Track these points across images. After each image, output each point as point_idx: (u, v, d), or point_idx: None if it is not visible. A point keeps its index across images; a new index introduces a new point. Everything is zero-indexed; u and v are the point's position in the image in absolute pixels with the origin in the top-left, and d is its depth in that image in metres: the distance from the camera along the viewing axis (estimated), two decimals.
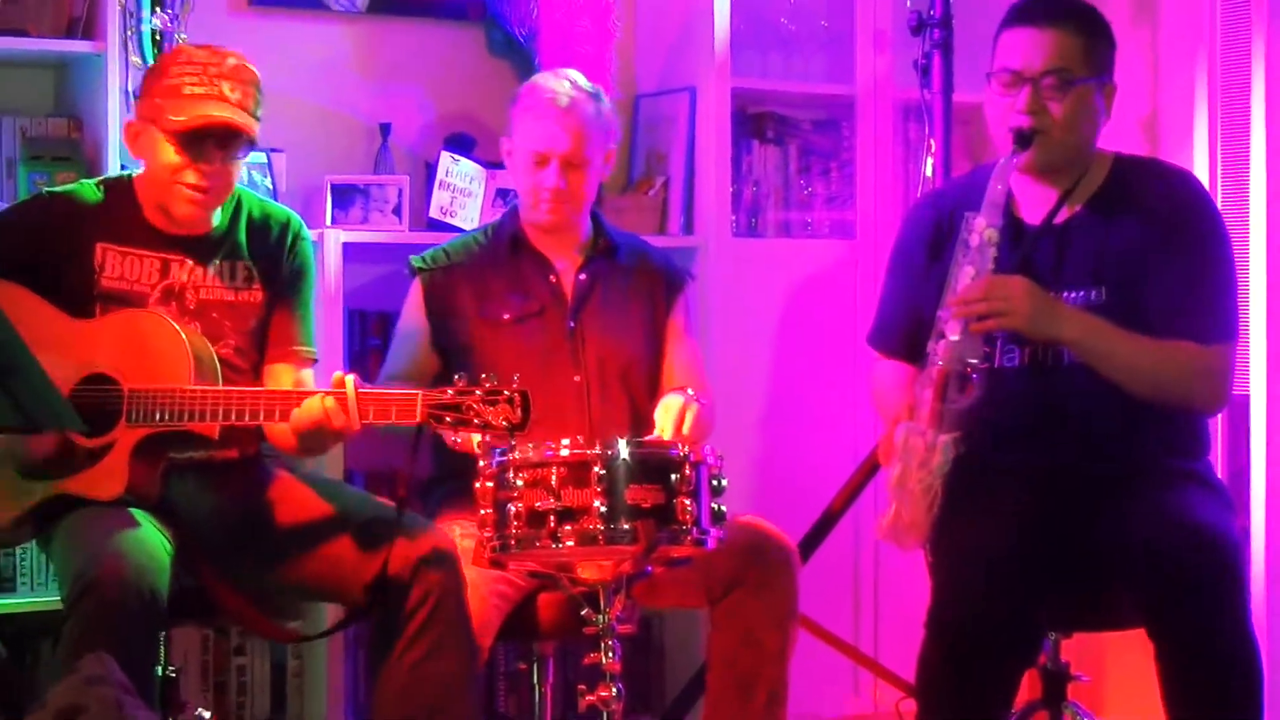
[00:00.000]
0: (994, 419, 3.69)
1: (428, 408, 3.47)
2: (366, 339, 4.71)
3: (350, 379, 3.52)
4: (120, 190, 3.86)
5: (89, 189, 3.89)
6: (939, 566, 3.69)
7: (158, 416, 3.56)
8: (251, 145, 3.78)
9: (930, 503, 3.65)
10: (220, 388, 3.63)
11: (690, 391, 3.98)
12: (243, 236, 3.88)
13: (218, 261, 3.84)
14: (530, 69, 4.87)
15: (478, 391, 3.46)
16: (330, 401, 3.52)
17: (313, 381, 3.87)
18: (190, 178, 3.71)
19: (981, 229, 3.66)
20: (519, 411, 3.44)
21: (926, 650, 3.58)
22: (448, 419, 3.47)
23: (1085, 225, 3.79)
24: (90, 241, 3.78)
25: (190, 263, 3.81)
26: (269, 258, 3.88)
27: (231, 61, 3.75)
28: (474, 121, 5.01)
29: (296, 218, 3.98)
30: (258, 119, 3.77)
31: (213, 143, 3.70)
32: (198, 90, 3.70)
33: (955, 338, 3.63)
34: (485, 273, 4.24)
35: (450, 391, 3.48)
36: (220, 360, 3.73)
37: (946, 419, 3.64)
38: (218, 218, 3.86)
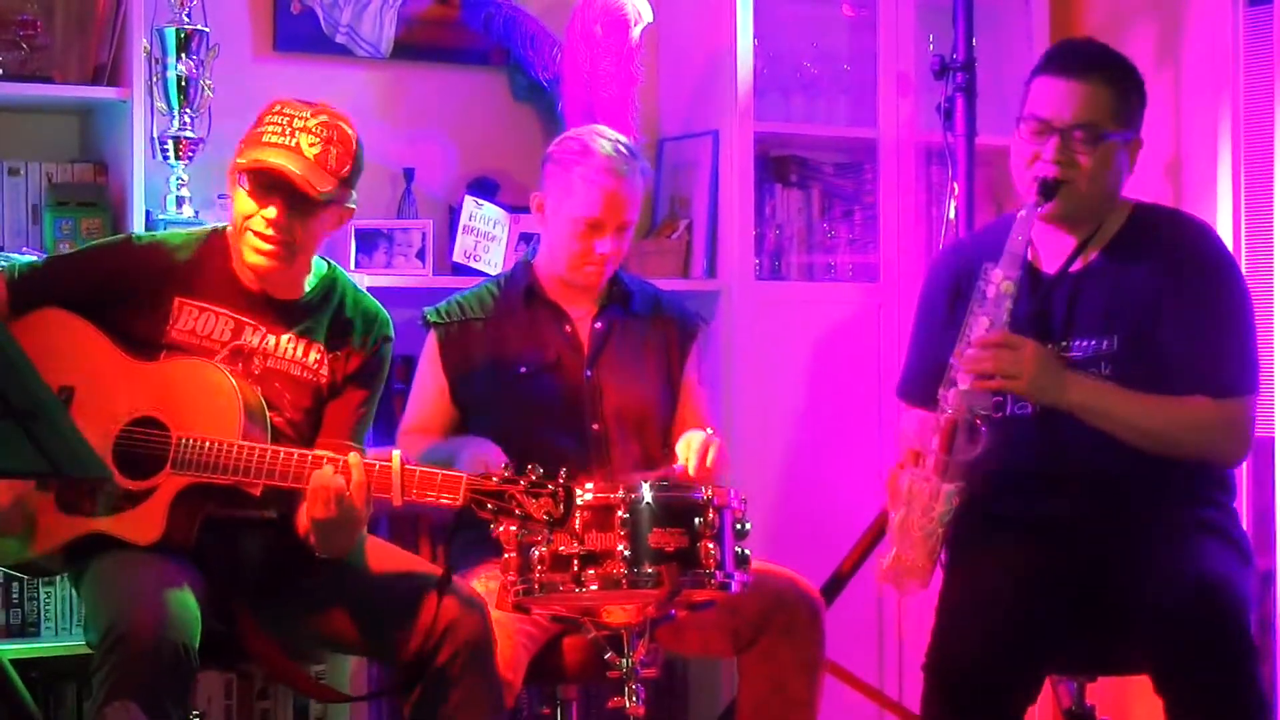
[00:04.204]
0: (1004, 467, 3.69)
1: (470, 492, 3.46)
2: (391, 383, 4.68)
3: (397, 454, 3.52)
4: (211, 242, 3.84)
5: (177, 239, 3.87)
6: (939, 610, 3.70)
7: (203, 467, 3.55)
8: (329, 203, 3.71)
9: (931, 548, 3.66)
10: (268, 445, 3.61)
11: (709, 429, 4.00)
12: (326, 320, 3.85)
13: (293, 335, 3.81)
14: (553, 114, 4.89)
15: (522, 482, 3.44)
16: (376, 474, 3.52)
17: None
18: (257, 224, 3.68)
19: (999, 280, 3.65)
20: (561, 507, 3.42)
21: (926, 694, 3.60)
22: (489, 505, 3.45)
23: (1099, 273, 3.78)
24: (168, 294, 3.76)
25: (264, 330, 3.79)
26: (347, 350, 3.85)
27: (321, 118, 3.71)
28: (498, 166, 5.03)
29: (387, 319, 3.92)
30: (344, 181, 3.72)
31: (279, 194, 3.67)
32: (274, 139, 3.67)
33: (965, 387, 3.63)
34: (500, 325, 4.24)
35: (495, 480, 3.46)
36: (274, 430, 3.72)
37: (951, 469, 3.65)
38: (308, 286, 3.84)
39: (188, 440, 3.57)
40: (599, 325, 4.24)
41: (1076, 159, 3.70)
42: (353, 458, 3.55)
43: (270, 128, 3.69)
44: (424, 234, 4.73)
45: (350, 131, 3.75)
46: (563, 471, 3.44)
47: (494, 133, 5.11)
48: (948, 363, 3.73)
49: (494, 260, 4.77)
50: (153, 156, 4.46)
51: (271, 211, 3.66)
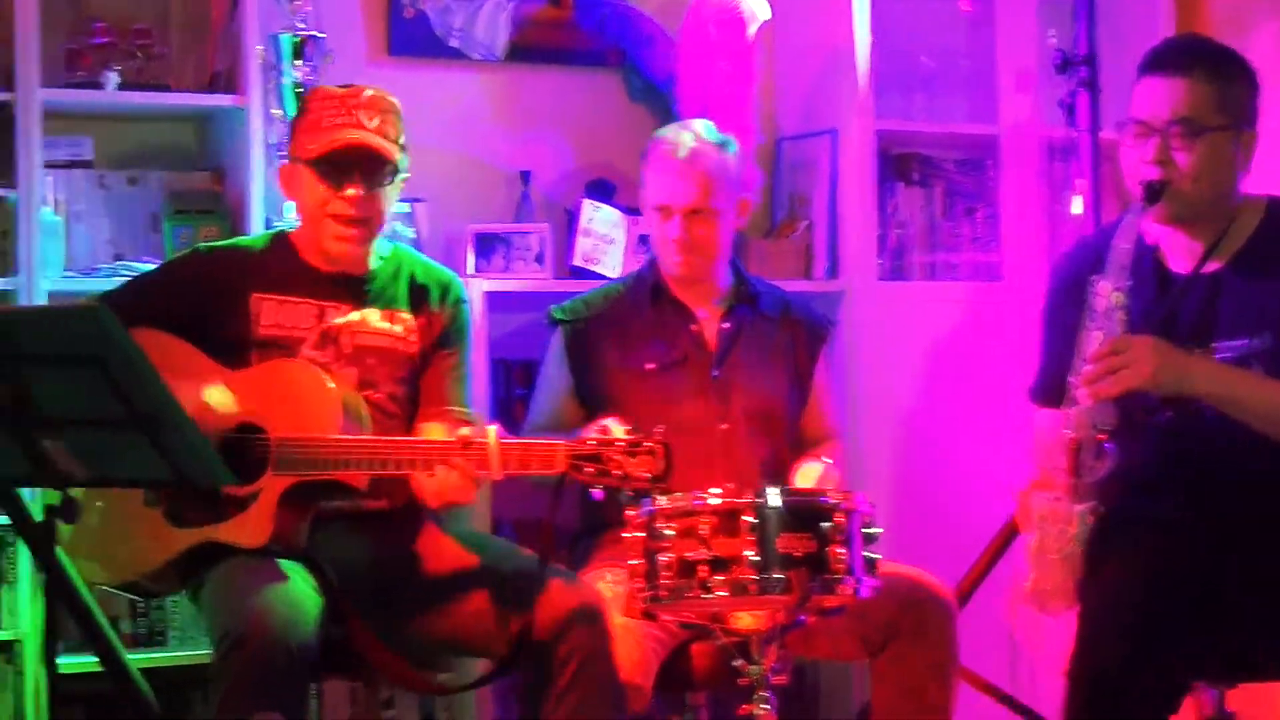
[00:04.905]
0: (1141, 473, 3.62)
1: (569, 458, 3.44)
2: (511, 388, 4.72)
3: (493, 429, 3.50)
4: (277, 241, 3.90)
5: (244, 241, 3.95)
6: (1081, 616, 3.61)
7: (304, 466, 3.56)
8: (395, 172, 3.79)
9: (1071, 569, 3.60)
10: (367, 437, 3.62)
11: (827, 460, 3.97)
12: (403, 290, 3.89)
13: (376, 308, 3.85)
14: (670, 114, 4.86)
15: (619, 442, 3.43)
16: (473, 450, 3.50)
17: None
18: (336, 207, 3.74)
19: (1108, 293, 3.57)
20: (661, 463, 3.39)
21: (1069, 702, 3.50)
22: (588, 470, 3.43)
23: (1241, 274, 3.67)
24: (246, 293, 3.80)
25: (347, 307, 3.82)
26: (428, 315, 3.89)
27: (369, 93, 3.80)
28: (614, 168, 5.01)
29: (458, 281, 3.97)
30: (401, 147, 3.80)
31: (356, 171, 3.73)
32: (336, 120, 3.75)
33: (1086, 405, 3.56)
34: (626, 322, 4.23)
35: (591, 441, 3.44)
36: (374, 406, 3.74)
37: (1081, 490, 3.57)
38: (375, 262, 3.88)
39: (286, 440, 3.58)
40: (727, 325, 4.21)
41: (1175, 158, 3.61)
42: (438, 471, 3.54)
43: (326, 113, 3.76)
44: (542, 238, 4.72)
45: (395, 101, 3.82)
46: (660, 428, 3.41)
47: (610, 134, 5.09)
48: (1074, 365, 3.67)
49: (613, 263, 4.75)
50: (270, 163, 4.46)
51: (352, 191, 3.72)
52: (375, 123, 3.75)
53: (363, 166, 3.73)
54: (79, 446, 2.93)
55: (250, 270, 3.83)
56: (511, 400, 4.69)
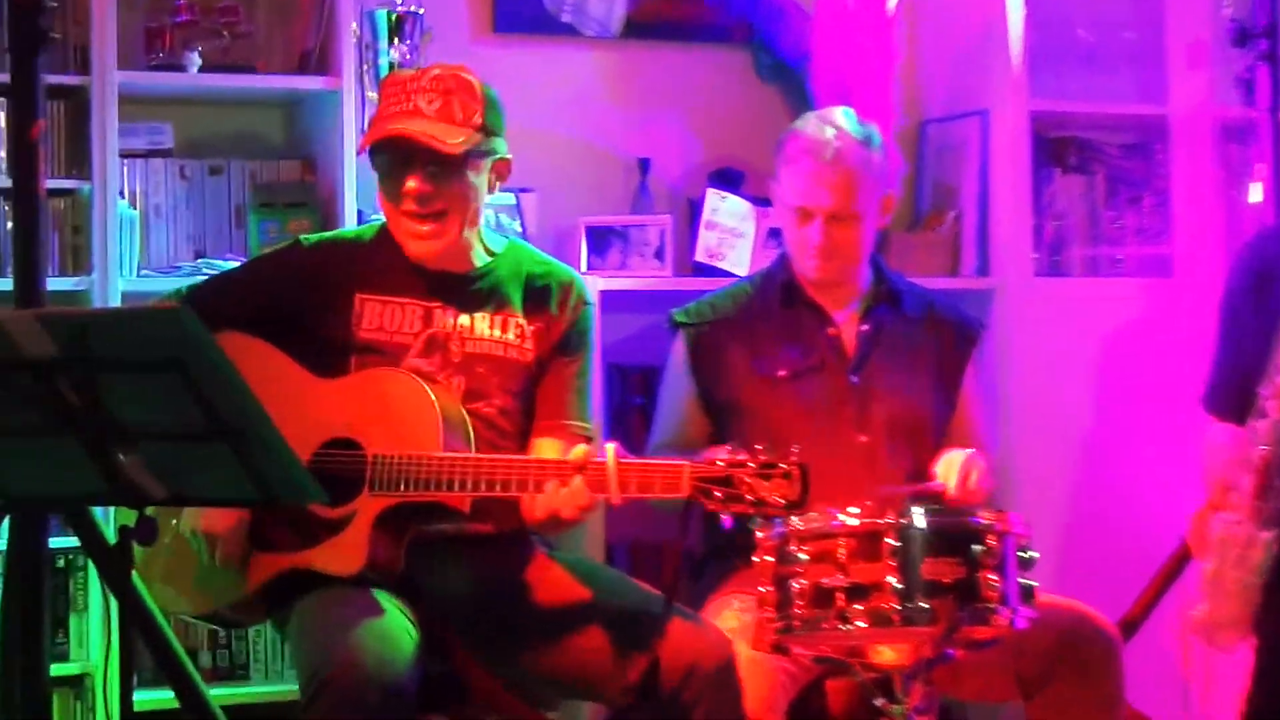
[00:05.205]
0: None
1: (695, 481, 3.41)
2: (628, 396, 4.73)
3: (611, 448, 3.48)
4: (382, 235, 3.88)
5: (348, 234, 3.96)
6: (1258, 653, 3.59)
7: (402, 485, 3.54)
8: (463, 159, 3.72)
9: (1249, 600, 3.58)
10: (472, 455, 3.61)
11: (972, 451, 3.94)
12: (518, 290, 3.87)
13: (487, 312, 3.83)
14: (802, 96, 4.85)
15: (751, 464, 3.39)
16: (589, 472, 3.48)
17: None
18: (405, 205, 3.74)
19: None
20: (798, 487, 3.35)
21: None
22: (717, 494, 3.39)
23: None
24: (348, 292, 3.80)
25: (455, 310, 3.81)
26: (545, 319, 3.86)
27: (434, 72, 3.77)
28: (742, 154, 5.01)
29: (580, 279, 3.94)
30: (480, 128, 3.74)
31: (415, 164, 3.71)
32: (392, 108, 3.74)
33: (1278, 418, 3.50)
34: (756, 326, 4.21)
35: (720, 463, 3.41)
36: (483, 420, 3.73)
37: (1268, 514, 3.52)
38: (483, 259, 3.87)
39: (383, 458, 3.57)
40: (865, 328, 4.19)
41: None
42: (570, 484, 3.50)
43: (388, 101, 3.77)
44: (662, 231, 4.72)
45: (470, 77, 3.78)
46: (794, 448, 3.38)
47: (737, 118, 5.09)
48: (1256, 371, 3.62)
49: (740, 259, 4.74)
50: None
51: (412, 183, 3.71)
52: (435, 106, 3.71)
53: (420, 156, 3.71)
54: (156, 461, 2.93)
55: (356, 265, 3.84)
56: (627, 409, 4.69)
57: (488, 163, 3.79)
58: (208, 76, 4.50)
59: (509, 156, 3.83)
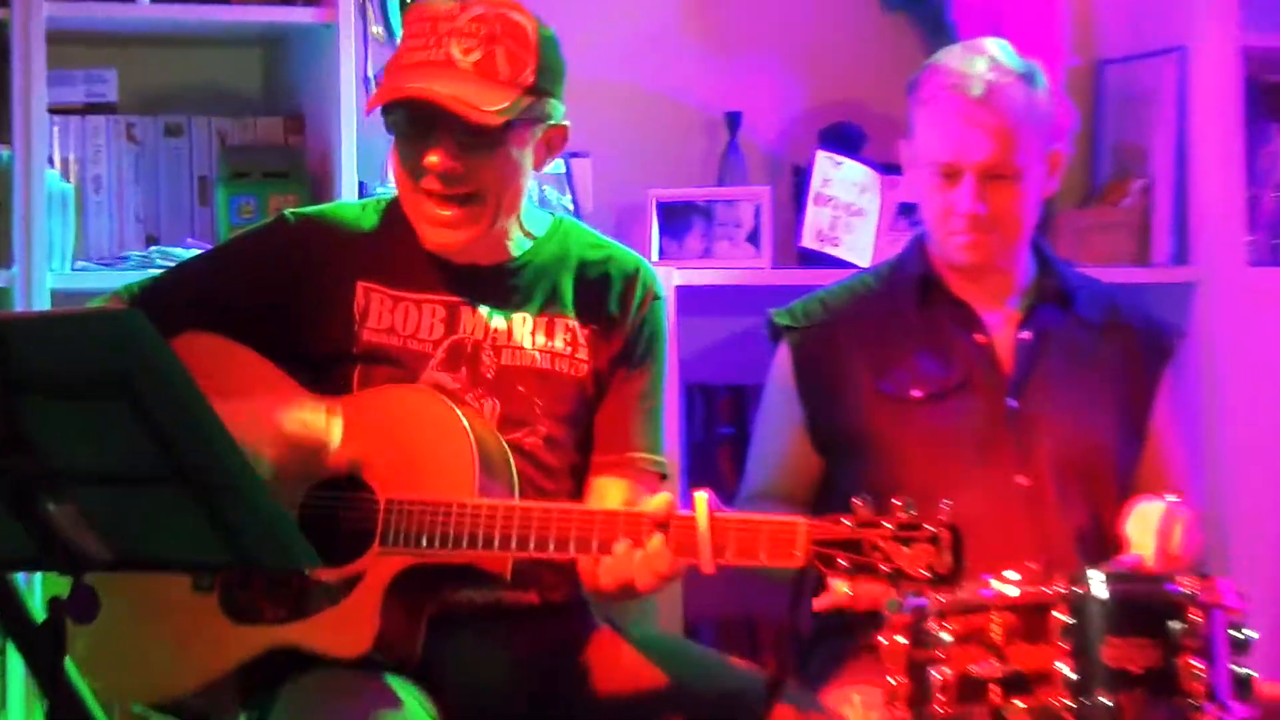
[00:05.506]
0: None
1: (813, 545, 3.37)
2: (713, 426, 4.77)
3: (702, 499, 3.46)
4: (392, 213, 3.88)
5: (349, 209, 3.94)
6: None
7: (424, 541, 3.52)
8: (503, 129, 3.68)
9: None
10: (516, 502, 3.59)
11: (1171, 498, 3.91)
12: (568, 283, 3.87)
13: (528, 313, 3.83)
14: (941, 29, 4.88)
15: (887, 524, 3.35)
16: (673, 529, 3.45)
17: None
18: (422, 181, 3.71)
19: None
20: (948, 556, 3.31)
21: None
22: (842, 561, 3.36)
23: None
24: (349, 279, 3.79)
25: (487, 310, 3.81)
26: (604, 319, 3.85)
27: (477, 10, 3.72)
28: (862, 106, 5.04)
29: (649, 267, 3.93)
30: (530, 89, 3.71)
31: (444, 130, 3.67)
32: (417, 55, 3.71)
33: None
34: (883, 331, 4.21)
35: (847, 522, 3.37)
36: (524, 455, 3.72)
37: None
38: (523, 245, 3.87)
39: (399, 504, 3.55)
40: (1026, 335, 4.19)
41: None
42: (648, 545, 3.48)
43: (411, 42, 3.73)
44: (758, 208, 4.75)
45: (522, 18, 3.74)
46: (945, 504, 3.33)
47: (855, 58, 5.14)
48: None
49: (860, 244, 4.78)
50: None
51: (434, 157, 3.67)
52: (474, 58, 3.67)
53: (448, 123, 3.67)
54: (97, 513, 2.92)
55: (354, 247, 3.84)
56: (712, 443, 4.72)
57: (537, 131, 3.76)
58: (163, 7, 4.51)
59: (566, 124, 3.81)
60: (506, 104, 3.66)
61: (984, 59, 4.11)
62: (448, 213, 3.70)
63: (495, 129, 3.66)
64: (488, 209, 3.73)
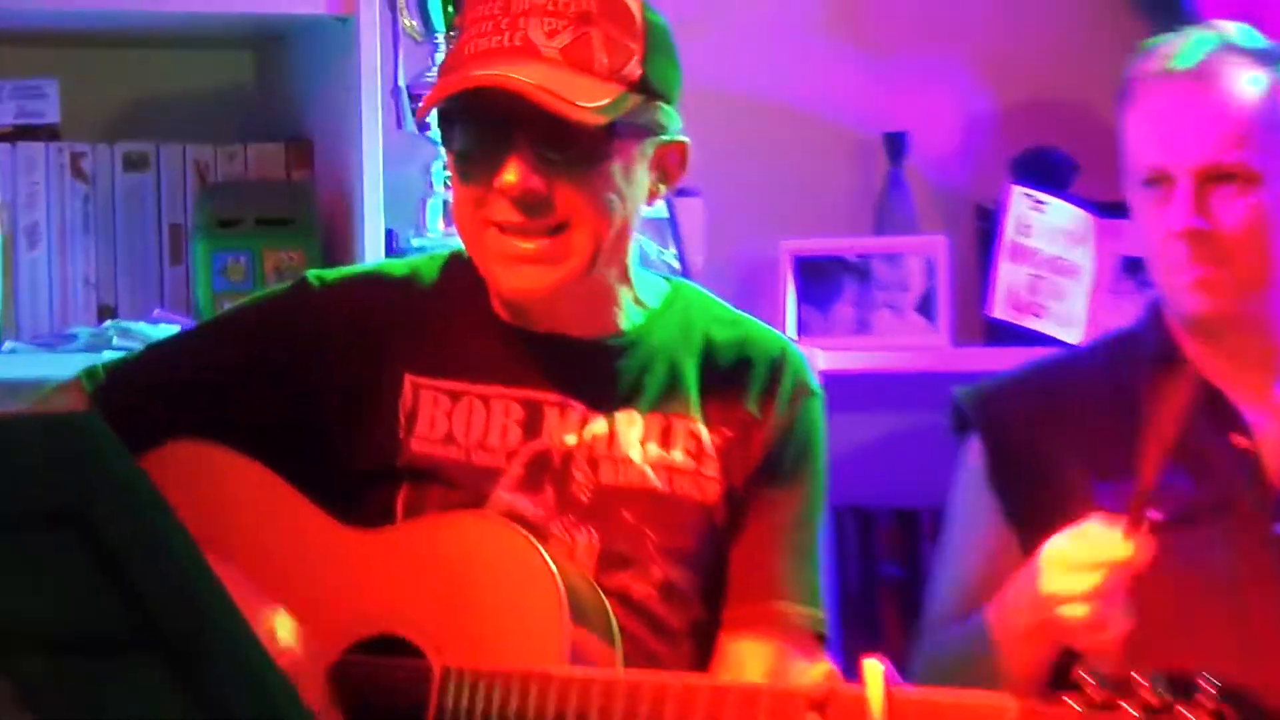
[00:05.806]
0: None
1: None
2: (875, 564, 4.72)
3: (877, 670, 3.37)
4: (453, 271, 3.85)
5: (395, 268, 3.90)
6: None
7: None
8: (608, 137, 3.61)
9: None
10: (619, 674, 3.55)
11: None
12: (692, 373, 3.81)
13: (639, 412, 3.78)
14: (1175, 17, 4.77)
15: (1129, 708, 3.24)
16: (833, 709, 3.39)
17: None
18: (497, 211, 3.62)
19: None
20: None
21: None
22: None
23: None
24: (394, 369, 3.75)
25: (582, 408, 3.75)
26: (741, 423, 3.80)
27: None
28: (1070, 126, 5.04)
29: (796, 352, 3.90)
30: (637, 85, 3.65)
31: (521, 139, 3.60)
32: (483, 44, 3.64)
33: None
34: (1105, 425, 4.15)
35: (1074, 704, 3.26)
36: (633, 608, 3.68)
37: None
38: (634, 319, 3.80)
39: (460, 673, 3.51)
40: None
41: None
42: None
43: (476, 28, 3.66)
44: (930, 264, 4.72)
45: None
46: (1205, 679, 3.21)
47: (1060, 60, 5.13)
48: None
49: (1071, 312, 4.77)
50: (398, 126, 4.51)
51: (512, 174, 3.58)
52: (563, 40, 3.61)
53: (531, 125, 3.60)
54: (39, 688, 2.90)
55: (407, 327, 3.80)
56: (874, 588, 4.65)
57: (647, 146, 3.69)
58: None
59: (685, 140, 3.73)
60: (608, 100, 3.58)
61: (1210, 35, 4.13)
62: (530, 245, 3.61)
63: (593, 133, 3.57)
64: (583, 245, 3.64)
